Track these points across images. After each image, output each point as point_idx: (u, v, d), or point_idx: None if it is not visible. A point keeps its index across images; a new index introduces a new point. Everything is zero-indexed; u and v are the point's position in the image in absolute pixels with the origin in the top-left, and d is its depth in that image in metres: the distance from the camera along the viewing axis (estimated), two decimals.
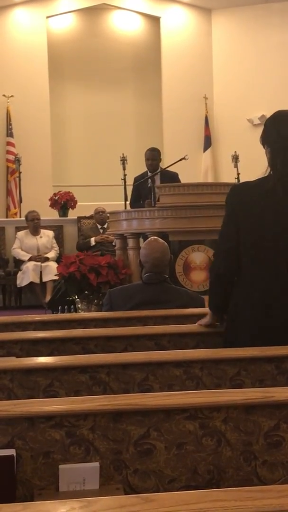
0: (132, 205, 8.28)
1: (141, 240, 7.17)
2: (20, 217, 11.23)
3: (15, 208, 11.98)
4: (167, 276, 4.32)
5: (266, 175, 3.06)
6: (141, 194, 8.07)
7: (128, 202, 8.65)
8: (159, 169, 8.23)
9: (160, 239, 4.53)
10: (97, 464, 2.03)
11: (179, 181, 8.27)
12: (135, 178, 8.47)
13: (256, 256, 3.04)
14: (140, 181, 8.24)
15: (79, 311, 7.13)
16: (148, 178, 8.04)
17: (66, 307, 7.30)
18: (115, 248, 8.08)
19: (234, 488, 1.80)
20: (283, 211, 2.98)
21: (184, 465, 2.08)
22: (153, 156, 8.33)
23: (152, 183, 7.83)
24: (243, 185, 3.24)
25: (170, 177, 8.16)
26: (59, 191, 11.24)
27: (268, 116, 3.21)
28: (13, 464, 1.96)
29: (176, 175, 8.32)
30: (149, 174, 8.21)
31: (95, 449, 2.06)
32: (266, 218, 3.01)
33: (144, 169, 8.48)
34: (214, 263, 3.28)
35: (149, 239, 4.64)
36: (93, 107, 13.24)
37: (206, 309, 3.42)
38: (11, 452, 1.98)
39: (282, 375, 2.82)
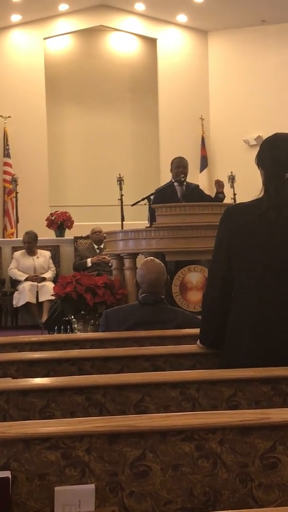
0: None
1: (137, 259, 7.17)
2: (17, 237, 11.25)
3: (12, 228, 12.01)
4: (163, 297, 4.31)
5: (260, 196, 3.06)
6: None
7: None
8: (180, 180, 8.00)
9: (156, 259, 4.53)
10: (92, 486, 2.02)
11: (201, 191, 8.21)
12: (156, 190, 8.07)
13: (247, 281, 3.03)
14: (161, 188, 8.04)
15: (76, 331, 7.12)
16: (173, 185, 7.93)
17: (62, 327, 7.29)
18: (112, 268, 8.08)
19: (230, 511, 1.80)
20: (275, 237, 2.97)
21: (180, 487, 2.07)
22: (184, 163, 8.07)
23: (180, 192, 7.81)
24: (236, 208, 3.21)
25: (193, 189, 8.07)
26: (56, 211, 11.28)
27: (264, 137, 3.21)
28: (9, 486, 1.95)
29: (198, 186, 8.29)
30: (174, 183, 8.01)
31: (90, 471, 2.05)
32: (257, 244, 2.99)
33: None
34: (207, 290, 3.26)
35: (145, 259, 4.64)
36: (90, 128, 13.30)
37: None
38: (7, 474, 1.98)
39: (278, 396, 2.82)
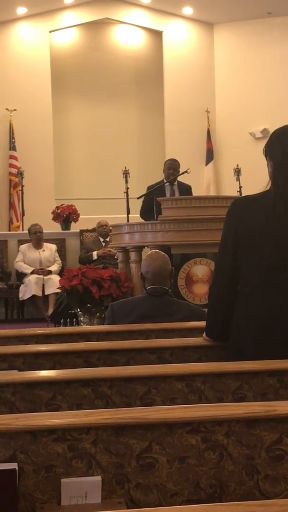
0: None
1: (143, 252, 7.17)
2: (23, 230, 11.25)
3: (17, 221, 12.01)
4: (168, 289, 4.31)
5: (267, 189, 3.04)
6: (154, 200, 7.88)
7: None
8: (174, 180, 8.13)
9: (160, 251, 4.53)
10: (99, 478, 2.03)
11: (191, 194, 8.24)
12: (148, 187, 8.19)
13: (254, 274, 3.01)
14: (153, 188, 8.08)
15: (81, 324, 7.13)
16: (163, 186, 8.00)
17: (68, 320, 7.30)
18: (118, 261, 8.09)
19: (236, 502, 1.80)
20: (282, 229, 2.96)
21: (186, 479, 2.08)
22: (175, 166, 8.24)
23: (170, 193, 7.83)
24: (243, 200, 3.20)
25: (186, 190, 8.14)
26: (62, 204, 11.28)
27: (270, 129, 3.19)
28: (15, 478, 1.96)
29: (190, 188, 8.30)
30: (165, 184, 8.13)
31: (97, 463, 2.05)
32: (265, 236, 2.98)
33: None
34: (214, 283, 3.25)
35: (150, 252, 4.64)
36: (96, 121, 13.29)
37: None
38: (14, 466, 1.98)
39: (284, 388, 2.82)
